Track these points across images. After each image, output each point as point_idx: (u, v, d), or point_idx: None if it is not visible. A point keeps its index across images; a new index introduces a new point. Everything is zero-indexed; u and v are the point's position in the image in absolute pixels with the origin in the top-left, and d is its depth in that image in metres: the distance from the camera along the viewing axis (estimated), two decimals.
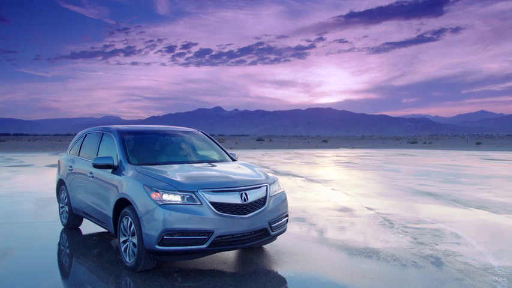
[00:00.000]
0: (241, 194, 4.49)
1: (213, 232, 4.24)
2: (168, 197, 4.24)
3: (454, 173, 15.81)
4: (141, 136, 5.69)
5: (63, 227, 6.78)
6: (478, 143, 60.18)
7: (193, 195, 4.28)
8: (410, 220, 7.30)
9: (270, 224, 4.71)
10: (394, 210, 8.20)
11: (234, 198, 4.42)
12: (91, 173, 5.59)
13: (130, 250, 4.58)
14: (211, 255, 5.08)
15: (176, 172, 4.70)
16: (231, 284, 4.25)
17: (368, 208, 8.48)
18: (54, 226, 6.86)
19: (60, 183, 6.89)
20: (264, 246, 5.53)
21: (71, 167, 6.42)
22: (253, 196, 4.58)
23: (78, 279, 4.41)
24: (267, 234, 4.72)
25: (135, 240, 4.46)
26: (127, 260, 4.63)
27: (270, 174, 5.26)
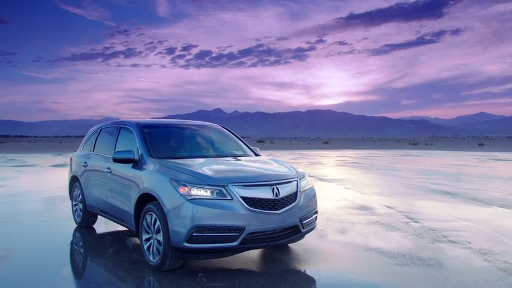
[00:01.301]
0: (273, 188, 4.25)
1: (244, 229, 3.99)
2: (197, 192, 4.00)
3: (464, 173, 15.57)
4: (161, 130, 5.46)
5: (76, 225, 6.54)
6: (481, 144, 59.93)
7: (223, 189, 4.04)
8: (434, 218, 7.06)
9: (301, 220, 4.47)
10: (415, 209, 7.96)
11: (265, 193, 4.18)
12: (109, 169, 5.35)
13: (154, 248, 4.33)
14: (237, 254, 4.84)
15: (203, 166, 4.46)
16: (263, 283, 4.00)
17: (387, 207, 8.24)
18: (67, 225, 6.61)
19: (74, 181, 6.65)
20: (290, 244, 5.29)
21: (85, 163, 6.18)
22: (284, 191, 4.34)
23: (95, 280, 4.15)
24: (297, 231, 4.47)
25: (160, 237, 4.21)
26: (151, 259, 4.38)
27: (298, 170, 5.03)
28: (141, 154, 4.83)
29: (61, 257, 5.05)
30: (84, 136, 7.07)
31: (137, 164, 4.80)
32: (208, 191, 4.01)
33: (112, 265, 4.62)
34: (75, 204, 6.57)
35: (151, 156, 4.74)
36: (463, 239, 5.67)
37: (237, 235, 3.98)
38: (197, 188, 4.01)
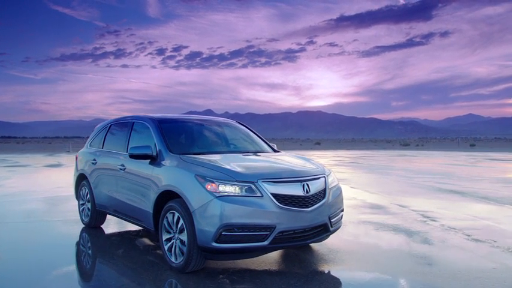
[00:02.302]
0: (303, 185, 4.05)
1: (275, 227, 3.78)
2: (225, 188, 3.77)
3: (465, 172, 15.51)
4: (178, 125, 5.21)
5: (83, 226, 6.26)
6: (472, 145, 60.32)
7: (252, 186, 3.82)
8: (451, 217, 6.90)
9: (329, 218, 4.27)
10: (428, 208, 7.80)
11: (296, 190, 3.97)
12: (122, 166, 5.10)
13: (177, 249, 4.09)
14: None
15: (228, 162, 4.23)
16: (296, 285, 3.79)
17: (400, 206, 8.07)
18: (72, 225, 6.33)
19: (81, 179, 6.37)
20: (312, 244, 5.08)
21: (94, 160, 5.90)
22: (314, 188, 4.13)
23: (108, 284, 3.90)
24: (326, 230, 4.27)
25: (184, 237, 3.98)
26: (172, 260, 4.14)
27: (325, 166, 4.84)
28: (159, 150, 4.58)
29: (69, 259, 4.79)
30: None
31: (155, 160, 4.55)
32: (237, 188, 3.79)
33: (124, 267, 4.36)
34: (82, 204, 6.30)
35: (170, 152, 4.50)
36: (488, 237, 5.51)
37: (267, 234, 3.77)
38: (225, 184, 3.79)
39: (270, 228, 3.76)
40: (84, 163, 6.25)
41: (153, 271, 4.17)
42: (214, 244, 3.70)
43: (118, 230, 6.13)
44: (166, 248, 4.23)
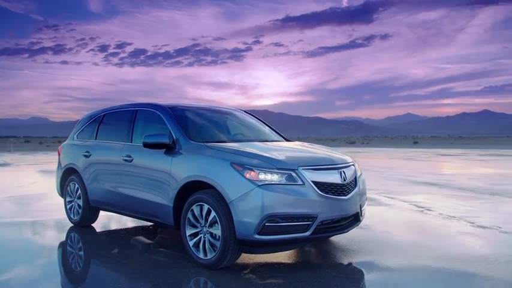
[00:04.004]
0: (340, 172, 3.89)
1: (317, 217, 3.59)
2: (265, 177, 3.52)
3: (426, 166, 16.14)
4: (191, 112, 4.84)
5: (71, 225, 5.71)
6: (415, 142, 63.46)
7: (293, 173, 3.60)
8: (443, 206, 7.04)
9: (360, 207, 4.14)
10: (416, 199, 7.94)
11: (335, 177, 3.81)
12: (129, 157, 4.67)
13: (206, 244, 3.78)
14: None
15: (261, 149, 3.97)
16: (333, 274, 3.65)
17: (388, 197, 8.16)
18: (57, 224, 5.77)
19: (68, 174, 5.80)
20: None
21: (87, 152, 5.39)
22: (348, 175, 3.99)
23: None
24: (357, 219, 4.13)
25: (216, 230, 3.68)
26: (201, 256, 3.81)
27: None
28: (177, 138, 4.22)
29: (67, 261, 4.33)
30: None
31: (172, 149, 4.20)
32: (278, 176, 3.56)
33: (131, 268, 3.98)
34: (70, 201, 5.74)
35: (191, 140, 4.17)
36: (491, 224, 5.64)
37: (309, 224, 3.57)
38: (265, 172, 3.54)
39: (312, 217, 3.57)
40: (73, 156, 5.70)
41: (162, 270, 3.83)
42: (257, 236, 3.45)
43: (110, 229, 5.66)
44: (191, 243, 3.91)
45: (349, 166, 4.12)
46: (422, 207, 6.98)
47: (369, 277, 3.70)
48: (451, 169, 14.80)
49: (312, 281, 3.49)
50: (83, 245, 4.91)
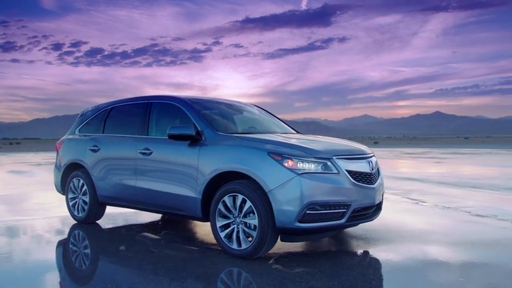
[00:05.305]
0: (369, 161, 4.05)
1: (351, 204, 3.70)
2: (304, 166, 3.59)
3: (398, 164, 16.73)
4: (210, 105, 4.84)
5: (74, 222, 5.52)
6: (376, 142, 65.45)
7: (328, 162, 3.69)
8: (433, 198, 7.36)
9: (382, 196, 4.29)
10: (404, 192, 8.24)
11: (365, 167, 3.97)
12: (147, 150, 4.58)
13: (241, 234, 3.79)
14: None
15: (291, 140, 4.04)
16: (361, 264, 3.76)
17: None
18: (61, 222, 5.57)
19: (71, 170, 5.60)
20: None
21: (96, 146, 5.24)
22: (374, 165, 4.16)
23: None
24: (379, 208, 4.28)
25: (251, 220, 3.70)
26: (234, 247, 3.81)
27: None
28: (202, 130, 4.20)
29: (75, 259, 4.21)
30: None
31: (197, 141, 4.17)
32: (314, 165, 3.64)
33: (136, 270, 3.94)
34: (74, 198, 5.54)
35: (218, 131, 4.17)
36: (486, 213, 5.96)
37: (344, 212, 3.68)
38: (303, 161, 3.61)
39: (347, 205, 3.68)
40: (77, 151, 5.52)
41: (188, 264, 3.82)
42: (297, 224, 3.51)
43: (118, 225, 5.53)
44: (222, 235, 3.90)
45: (372, 156, 4.27)
46: (414, 200, 7.27)
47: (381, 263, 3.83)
48: (422, 166, 15.42)
49: (340, 268, 3.56)
50: (88, 242, 4.76)
